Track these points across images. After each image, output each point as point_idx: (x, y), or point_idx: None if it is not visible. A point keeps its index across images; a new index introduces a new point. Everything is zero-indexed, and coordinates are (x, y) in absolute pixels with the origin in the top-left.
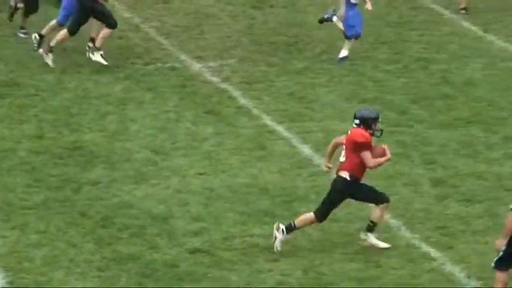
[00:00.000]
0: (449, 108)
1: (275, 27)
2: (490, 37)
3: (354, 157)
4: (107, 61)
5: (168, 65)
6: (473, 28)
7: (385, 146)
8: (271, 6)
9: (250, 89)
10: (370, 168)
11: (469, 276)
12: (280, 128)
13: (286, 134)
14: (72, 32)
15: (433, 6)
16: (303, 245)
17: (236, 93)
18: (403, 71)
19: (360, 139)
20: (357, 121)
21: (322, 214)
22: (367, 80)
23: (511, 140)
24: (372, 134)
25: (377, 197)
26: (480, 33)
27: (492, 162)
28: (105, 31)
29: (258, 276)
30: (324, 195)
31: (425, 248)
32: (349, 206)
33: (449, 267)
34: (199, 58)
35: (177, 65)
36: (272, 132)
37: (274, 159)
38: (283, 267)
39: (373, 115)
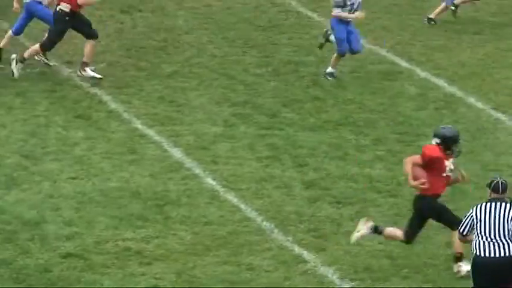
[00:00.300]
0: (320, 111)
1: (144, 32)
2: None
3: (427, 174)
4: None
5: (37, 69)
6: None
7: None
8: (140, 10)
9: (120, 94)
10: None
11: (341, 278)
12: (151, 132)
13: (157, 137)
14: (94, 36)
15: (301, 9)
16: (175, 248)
17: (106, 97)
18: (273, 74)
19: (429, 152)
20: (438, 140)
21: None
22: (238, 84)
23: (381, 142)
24: (450, 155)
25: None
26: None
27: (363, 165)
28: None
29: (131, 280)
30: (196, 198)
31: (298, 250)
32: (221, 209)
33: (322, 269)
34: (68, 63)
35: (46, 69)
36: (143, 136)
37: (145, 163)
38: (156, 271)
39: (454, 136)
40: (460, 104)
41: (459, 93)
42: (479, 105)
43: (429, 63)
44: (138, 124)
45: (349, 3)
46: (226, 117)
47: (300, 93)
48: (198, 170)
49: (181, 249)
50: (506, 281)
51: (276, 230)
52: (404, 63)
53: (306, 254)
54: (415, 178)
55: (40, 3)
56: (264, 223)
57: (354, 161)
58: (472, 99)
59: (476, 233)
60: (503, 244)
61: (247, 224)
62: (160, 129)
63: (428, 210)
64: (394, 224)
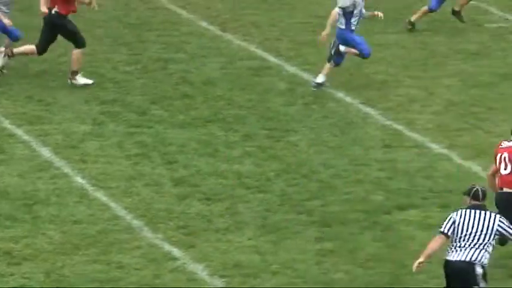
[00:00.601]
0: (189, 108)
1: None
2: (228, 36)
3: None
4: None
5: None
6: (211, 28)
7: None
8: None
9: None
10: None
11: (211, 275)
12: (19, 132)
13: (25, 137)
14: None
15: (170, 6)
16: (44, 248)
17: None
18: (142, 71)
19: None
20: None
21: None
22: (107, 82)
23: (250, 138)
24: None
25: None
26: (218, 32)
27: (232, 161)
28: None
29: None
30: (65, 197)
31: (167, 247)
32: (90, 208)
33: (192, 266)
34: None
35: None
36: (11, 135)
37: (14, 163)
38: (24, 271)
39: None
40: (329, 99)
41: (328, 88)
42: (348, 99)
43: (298, 59)
44: (7, 124)
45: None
46: (95, 116)
47: (169, 90)
48: (67, 169)
49: (50, 248)
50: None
51: (145, 228)
52: (273, 59)
53: (175, 251)
54: None
55: None
56: (134, 221)
57: (223, 157)
58: (341, 94)
59: (452, 237)
60: (471, 250)
61: (116, 223)
62: (29, 129)
63: None
64: (263, 219)
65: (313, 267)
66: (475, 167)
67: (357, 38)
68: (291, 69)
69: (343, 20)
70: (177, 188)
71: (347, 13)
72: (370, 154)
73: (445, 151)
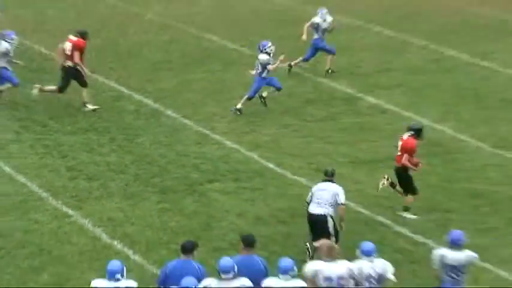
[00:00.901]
0: (74, 122)
1: None
2: (96, 76)
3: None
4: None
5: None
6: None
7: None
8: None
9: None
10: (403, 163)
11: (93, 226)
12: None
13: None
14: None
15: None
16: None
17: None
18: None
19: (410, 145)
20: (412, 132)
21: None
22: (19, 105)
23: (114, 140)
24: (421, 140)
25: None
26: (88, 73)
27: (103, 155)
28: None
29: None
30: None
31: (65, 209)
32: (14, 186)
33: (81, 221)
34: None
35: None
36: None
37: None
38: None
39: (421, 128)
40: (161, 115)
41: (161, 108)
42: (174, 115)
43: (141, 90)
44: None
45: (271, 55)
46: (15, 129)
47: (61, 111)
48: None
49: None
50: (321, 231)
51: (50, 198)
52: (125, 90)
53: (70, 212)
54: (412, 163)
55: (5, 68)
56: (43, 193)
57: (97, 152)
58: (169, 111)
59: (311, 199)
60: (323, 207)
61: (31, 195)
62: None
63: (407, 175)
64: (124, 190)
65: (156, 219)
66: (255, 156)
67: (272, 81)
68: (138, 97)
69: (263, 72)
70: (69, 172)
71: (263, 66)
72: (189, 149)
73: (236, 146)
